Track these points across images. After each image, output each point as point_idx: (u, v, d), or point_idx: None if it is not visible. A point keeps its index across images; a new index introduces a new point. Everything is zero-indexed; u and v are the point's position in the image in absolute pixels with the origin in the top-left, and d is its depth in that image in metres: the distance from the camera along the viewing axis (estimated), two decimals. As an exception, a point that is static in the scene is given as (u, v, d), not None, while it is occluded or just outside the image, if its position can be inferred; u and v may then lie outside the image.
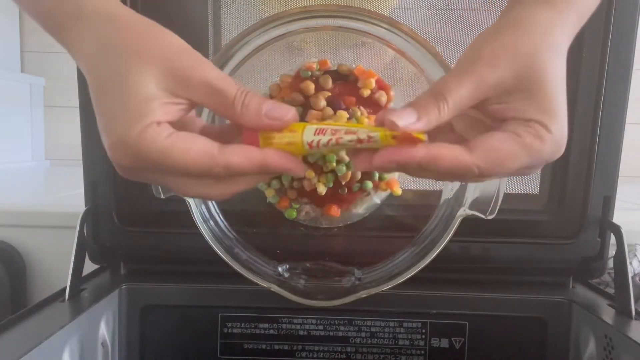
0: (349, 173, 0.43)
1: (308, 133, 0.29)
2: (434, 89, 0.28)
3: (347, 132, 0.30)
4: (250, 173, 0.28)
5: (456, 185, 0.42)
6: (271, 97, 0.46)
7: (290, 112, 0.29)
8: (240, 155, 0.27)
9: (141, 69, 0.26)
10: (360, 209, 0.48)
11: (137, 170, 0.28)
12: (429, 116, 0.28)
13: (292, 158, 0.29)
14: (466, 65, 0.28)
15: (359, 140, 0.29)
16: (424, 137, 0.28)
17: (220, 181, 0.29)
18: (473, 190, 0.39)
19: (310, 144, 0.29)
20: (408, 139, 0.29)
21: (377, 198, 0.48)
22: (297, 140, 0.29)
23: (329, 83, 0.44)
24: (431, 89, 0.29)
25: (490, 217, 0.38)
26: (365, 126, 0.31)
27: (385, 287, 0.41)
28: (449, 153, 0.27)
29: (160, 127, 0.27)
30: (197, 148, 0.27)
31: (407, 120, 0.27)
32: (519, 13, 0.29)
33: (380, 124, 0.29)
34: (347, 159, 0.43)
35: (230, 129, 0.32)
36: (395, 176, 0.47)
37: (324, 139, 0.29)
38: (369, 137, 0.29)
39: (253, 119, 0.28)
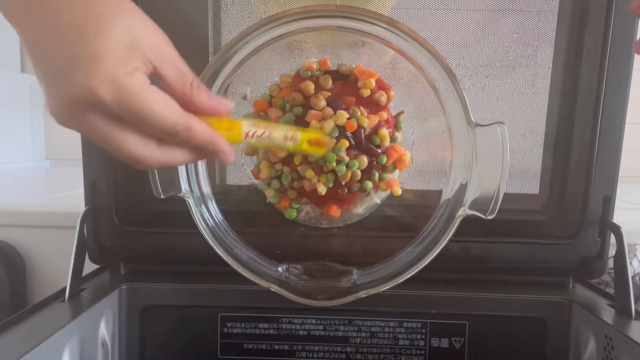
0: (349, 173, 0.43)
1: (246, 125, 0.34)
2: None
3: (277, 130, 0.36)
4: (199, 144, 0.31)
5: (456, 185, 0.42)
6: (271, 97, 0.46)
7: (231, 104, 0.33)
8: (200, 123, 0.31)
9: (124, 21, 0.27)
10: (360, 209, 0.48)
11: (99, 112, 0.28)
12: None
13: (230, 147, 0.33)
14: None
15: (285, 137, 0.37)
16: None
17: (162, 145, 0.30)
18: (473, 190, 0.39)
19: (247, 134, 0.34)
20: (318, 143, 0.38)
21: (377, 198, 0.48)
22: (237, 128, 0.34)
23: (329, 83, 0.44)
24: None
25: (490, 217, 0.38)
26: (293, 128, 0.38)
27: (385, 287, 0.41)
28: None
29: (143, 75, 0.28)
30: (172, 103, 0.29)
31: None
32: None
33: None
34: (347, 158, 0.43)
35: None
36: (395, 176, 0.47)
37: (259, 131, 0.35)
38: (293, 136, 0.37)
39: (205, 100, 0.31)
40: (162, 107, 0.29)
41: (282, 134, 0.37)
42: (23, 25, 0.27)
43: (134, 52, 0.27)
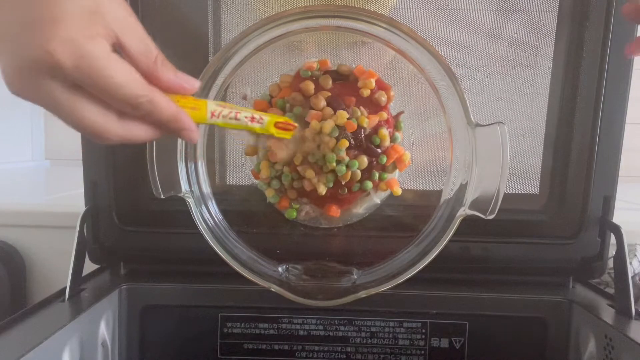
0: (349, 173, 0.43)
1: (211, 104, 0.34)
2: None
3: (244, 111, 0.36)
4: (162, 119, 0.30)
5: (456, 185, 0.42)
6: (271, 97, 0.46)
7: (197, 83, 0.32)
8: (164, 97, 0.30)
9: None
10: (360, 209, 0.48)
11: (56, 78, 0.26)
12: None
13: (195, 125, 0.32)
14: None
15: (252, 118, 0.36)
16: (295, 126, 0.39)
17: (123, 119, 0.29)
18: (473, 190, 0.39)
19: (212, 113, 0.34)
20: (285, 127, 0.38)
21: (377, 198, 0.48)
22: (202, 107, 0.33)
23: (329, 83, 0.44)
24: None
25: (490, 217, 0.38)
26: (261, 112, 0.37)
27: (385, 287, 0.41)
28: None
29: (106, 43, 0.27)
30: (135, 74, 0.28)
31: None
32: None
33: None
34: (347, 158, 0.43)
35: None
36: (395, 176, 0.47)
37: (225, 111, 0.35)
38: (260, 117, 0.37)
39: (171, 76, 0.30)
40: (124, 76, 0.27)
41: (248, 115, 0.36)
42: None
43: (97, 18, 0.26)
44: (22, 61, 0.25)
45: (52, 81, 0.26)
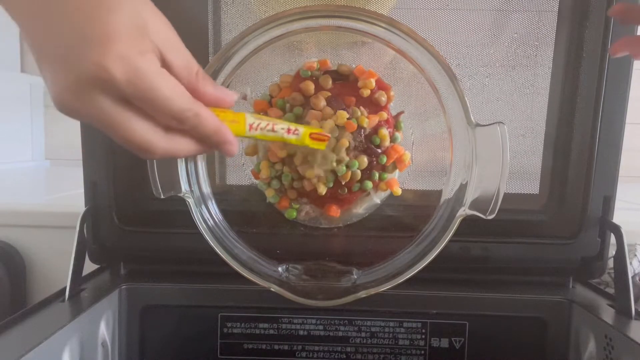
0: (349, 173, 0.43)
1: (249, 117, 0.35)
2: None
3: (280, 123, 0.36)
4: (206, 132, 0.31)
5: (456, 185, 0.42)
6: (271, 97, 0.46)
7: (235, 95, 0.33)
8: (208, 111, 0.31)
9: (132, 4, 0.27)
10: (360, 209, 0.48)
11: (108, 93, 0.27)
12: None
13: (235, 139, 0.33)
14: None
15: (288, 130, 0.37)
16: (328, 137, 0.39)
17: (169, 134, 0.30)
18: (473, 190, 0.39)
19: (251, 126, 0.35)
20: (319, 138, 0.39)
21: (377, 198, 0.48)
22: (241, 120, 0.34)
23: (329, 83, 0.44)
24: None
25: (490, 217, 0.38)
26: (295, 123, 0.38)
27: (385, 287, 0.41)
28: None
29: (155, 57, 0.28)
30: (182, 88, 0.29)
31: None
32: None
33: None
34: (347, 158, 0.43)
35: None
36: (395, 176, 0.47)
37: (262, 123, 0.35)
38: (296, 129, 0.37)
39: (210, 90, 0.31)
40: (172, 91, 0.28)
41: (285, 127, 0.36)
42: (23, 11, 0.26)
43: (145, 34, 0.27)
44: (75, 77, 0.26)
45: (104, 96, 0.27)
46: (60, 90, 0.26)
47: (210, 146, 0.32)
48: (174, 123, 0.29)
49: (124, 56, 0.26)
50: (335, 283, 0.44)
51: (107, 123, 0.28)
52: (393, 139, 0.45)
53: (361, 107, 0.44)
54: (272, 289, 0.42)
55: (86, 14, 0.25)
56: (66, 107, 0.27)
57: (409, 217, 0.47)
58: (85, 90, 0.26)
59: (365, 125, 0.43)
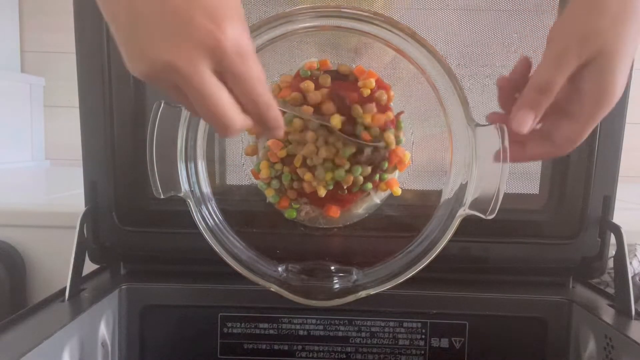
0: (351, 177, 0.43)
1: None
2: (537, 84, 0.35)
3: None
4: (269, 117, 0.32)
5: (456, 185, 0.42)
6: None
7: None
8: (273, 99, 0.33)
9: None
10: (360, 209, 0.48)
11: (211, 63, 0.29)
12: (541, 110, 0.36)
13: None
14: (559, 51, 0.34)
15: None
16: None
17: (243, 114, 0.32)
18: (473, 190, 0.39)
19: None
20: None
21: (377, 198, 0.48)
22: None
23: (329, 82, 0.44)
24: (533, 84, 0.35)
25: (490, 217, 0.38)
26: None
27: (385, 287, 0.41)
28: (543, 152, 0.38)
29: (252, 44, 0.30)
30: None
31: (529, 123, 0.36)
32: None
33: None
34: (348, 164, 0.43)
35: None
36: (395, 176, 0.47)
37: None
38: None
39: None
40: (261, 74, 0.30)
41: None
42: None
43: (245, 20, 0.30)
44: (187, 38, 0.28)
45: (209, 63, 0.28)
46: (169, 46, 0.28)
47: (267, 129, 0.34)
48: (250, 105, 0.31)
49: (236, 32, 0.28)
50: (335, 283, 0.44)
51: (200, 90, 0.29)
52: (396, 142, 0.45)
53: (365, 105, 0.43)
54: (272, 289, 0.42)
55: None
56: (163, 64, 0.28)
57: (409, 217, 0.47)
58: (194, 54, 0.28)
59: (367, 123, 0.43)
